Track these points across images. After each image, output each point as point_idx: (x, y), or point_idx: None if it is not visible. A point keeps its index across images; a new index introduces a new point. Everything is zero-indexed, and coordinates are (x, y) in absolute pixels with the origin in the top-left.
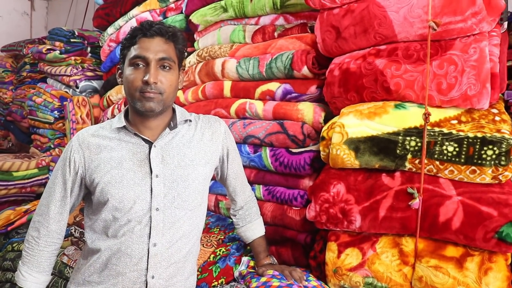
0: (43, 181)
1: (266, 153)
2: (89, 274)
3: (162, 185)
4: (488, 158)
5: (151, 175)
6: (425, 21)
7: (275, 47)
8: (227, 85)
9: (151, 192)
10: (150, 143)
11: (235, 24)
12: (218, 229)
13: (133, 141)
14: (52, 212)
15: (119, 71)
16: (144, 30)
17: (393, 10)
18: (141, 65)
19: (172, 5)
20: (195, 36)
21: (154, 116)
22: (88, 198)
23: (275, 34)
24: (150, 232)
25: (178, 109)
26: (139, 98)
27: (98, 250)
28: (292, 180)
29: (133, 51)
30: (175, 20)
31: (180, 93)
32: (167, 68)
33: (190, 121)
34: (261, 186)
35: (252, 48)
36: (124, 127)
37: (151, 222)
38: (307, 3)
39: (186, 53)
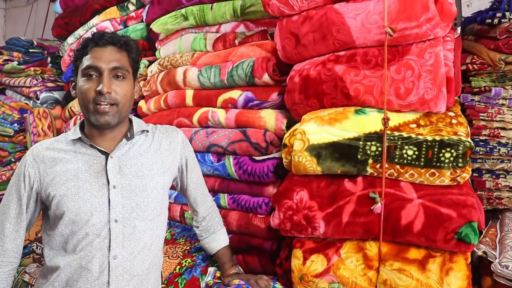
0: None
1: (229, 161)
2: None
3: (120, 196)
4: (446, 161)
5: (108, 186)
6: (381, 27)
7: (236, 54)
8: (189, 94)
9: (109, 204)
10: (106, 154)
11: (196, 32)
12: (183, 240)
13: (89, 153)
14: (7, 230)
15: (73, 83)
16: (96, 39)
17: (351, 16)
18: (94, 76)
19: (133, 14)
20: (156, 45)
21: (111, 128)
22: (45, 214)
23: (236, 41)
24: (109, 244)
25: (135, 119)
26: (93, 111)
27: (57, 268)
28: (256, 188)
29: (85, 62)
30: (136, 29)
31: (142, 103)
32: (121, 77)
33: (147, 131)
34: (225, 194)
35: (213, 56)
36: (80, 139)
37: (110, 234)
38: (266, 11)
39: (140, 63)
